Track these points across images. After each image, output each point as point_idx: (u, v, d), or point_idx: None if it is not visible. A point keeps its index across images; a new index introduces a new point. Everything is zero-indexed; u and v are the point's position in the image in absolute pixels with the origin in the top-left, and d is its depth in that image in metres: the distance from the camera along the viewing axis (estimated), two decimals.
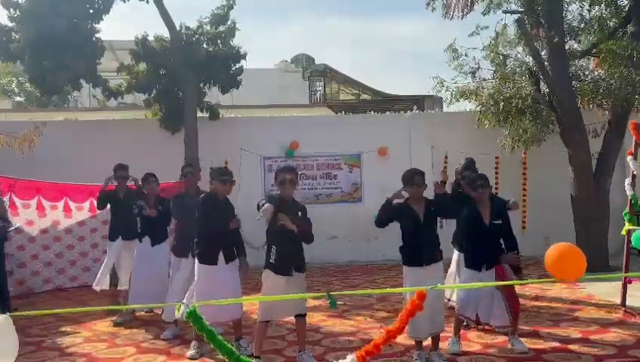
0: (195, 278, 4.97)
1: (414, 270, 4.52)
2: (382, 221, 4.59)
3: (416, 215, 4.53)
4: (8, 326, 2.42)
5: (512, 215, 5.17)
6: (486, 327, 5.36)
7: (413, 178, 4.53)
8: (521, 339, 4.87)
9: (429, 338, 4.62)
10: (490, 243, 4.80)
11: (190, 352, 4.91)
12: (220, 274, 4.86)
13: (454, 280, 5.83)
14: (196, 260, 4.97)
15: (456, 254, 6.07)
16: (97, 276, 6.81)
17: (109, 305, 6.62)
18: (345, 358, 2.80)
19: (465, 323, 5.31)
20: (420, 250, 4.48)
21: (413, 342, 4.65)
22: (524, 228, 10.36)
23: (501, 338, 5.06)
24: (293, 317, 4.73)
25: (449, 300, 6.16)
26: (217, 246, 4.92)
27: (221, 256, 4.91)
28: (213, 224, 4.86)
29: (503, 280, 4.71)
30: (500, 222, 4.82)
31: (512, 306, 4.80)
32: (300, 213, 4.58)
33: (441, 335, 4.67)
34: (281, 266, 4.47)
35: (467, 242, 5.04)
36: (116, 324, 6.14)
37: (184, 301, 3.14)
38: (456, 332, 4.94)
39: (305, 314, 4.68)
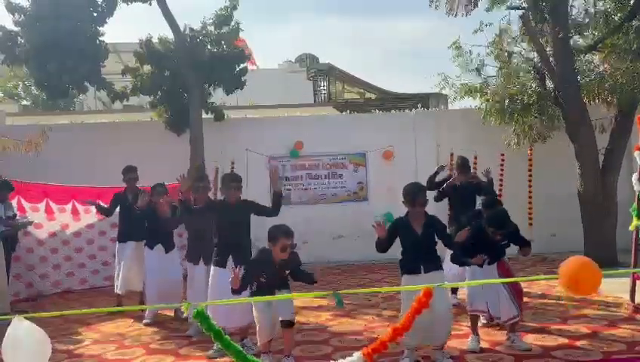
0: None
1: (412, 278, 4.53)
2: (382, 245, 4.64)
3: (414, 232, 4.58)
4: (28, 327, 2.40)
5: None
6: (497, 322, 5.35)
7: (418, 195, 4.57)
8: (527, 336, 4.83)
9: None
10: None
11: (209, 352, 4.92)
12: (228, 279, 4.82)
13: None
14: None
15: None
16: (119, 281, 6.92)
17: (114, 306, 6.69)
18: (352, 356, 2.80)
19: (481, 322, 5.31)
20: (418, 262, 4.54)
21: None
22: (530, 224, 10.31)
23: None
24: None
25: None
26: (226, 250, 4.99)
27: (230, 260, 4.93)
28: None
29: (505, 276, 4.82)
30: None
31: (517, 300, 4.79)
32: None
33: (452, 332, 4.65)
34: None
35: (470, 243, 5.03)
36: (146, 324, 6.21)
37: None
38: (474, 330, 4.92)
39: (291, 321, 4.53)
